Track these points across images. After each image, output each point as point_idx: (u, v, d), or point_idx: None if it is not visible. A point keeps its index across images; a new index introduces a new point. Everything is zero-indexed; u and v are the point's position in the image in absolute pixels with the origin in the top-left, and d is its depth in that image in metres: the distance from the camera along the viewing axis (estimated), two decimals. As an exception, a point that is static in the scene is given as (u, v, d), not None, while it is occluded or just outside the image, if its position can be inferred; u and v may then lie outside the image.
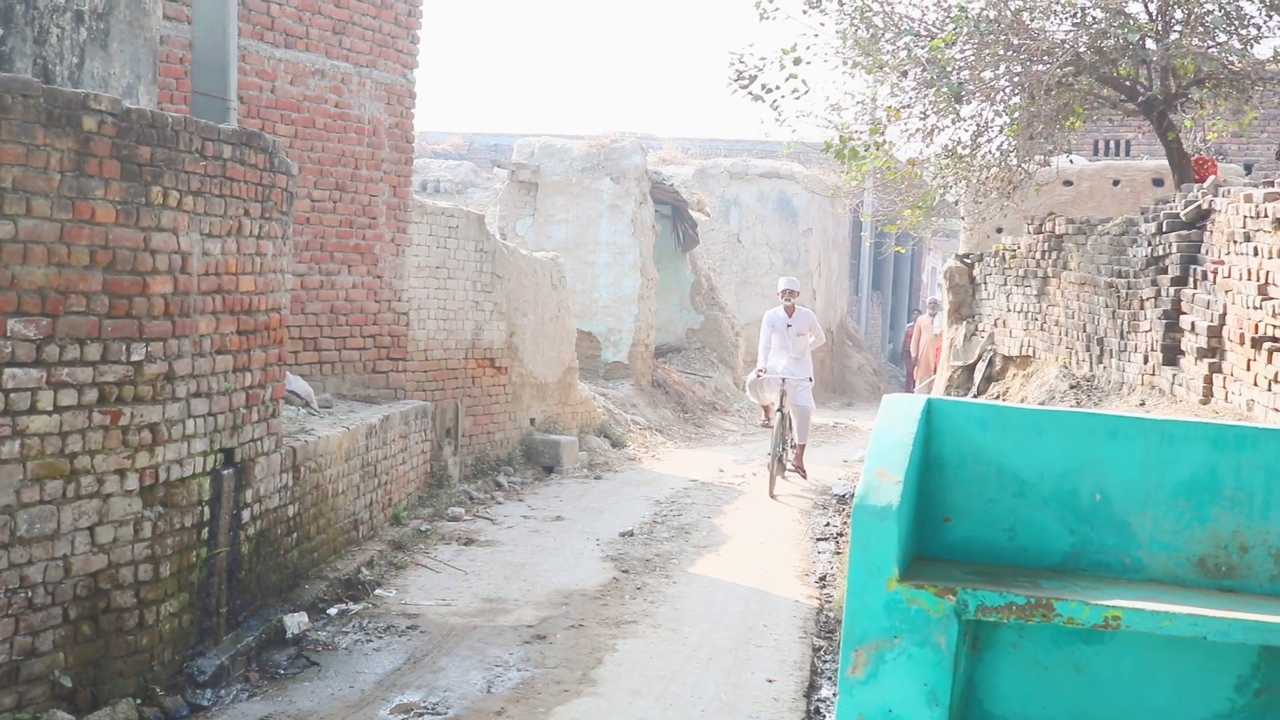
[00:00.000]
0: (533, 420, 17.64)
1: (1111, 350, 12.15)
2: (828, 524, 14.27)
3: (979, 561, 4.80)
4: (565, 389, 18.60)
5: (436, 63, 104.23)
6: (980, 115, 14.37)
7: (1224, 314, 9.66)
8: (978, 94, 13.85)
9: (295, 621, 9.06)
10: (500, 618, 9.82)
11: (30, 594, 6.72)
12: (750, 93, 14.47)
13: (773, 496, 15.90)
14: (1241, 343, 9.20)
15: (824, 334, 17.96)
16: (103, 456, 7.15)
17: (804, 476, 17.23)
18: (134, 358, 7.32)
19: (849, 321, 35.28)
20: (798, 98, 14.42)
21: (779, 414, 16.43)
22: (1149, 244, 11.28)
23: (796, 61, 14.03)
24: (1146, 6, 13.39)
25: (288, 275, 9.52)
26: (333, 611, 9.65)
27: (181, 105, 10.79)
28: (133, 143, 7.24)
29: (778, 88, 14.36)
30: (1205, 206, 10.34)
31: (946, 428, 4.86)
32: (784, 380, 16.60)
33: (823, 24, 14.36)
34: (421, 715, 7.69)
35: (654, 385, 23.65)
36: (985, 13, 13.10)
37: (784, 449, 16.63)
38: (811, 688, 8.47)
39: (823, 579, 11.54)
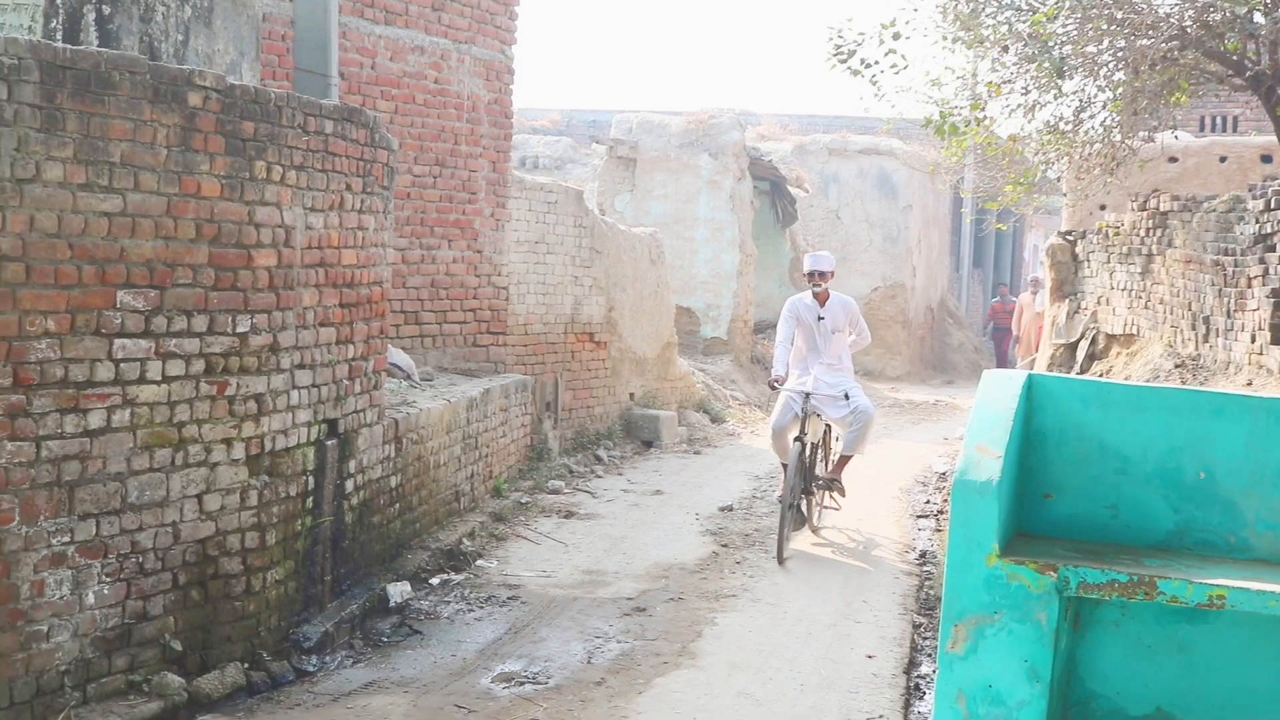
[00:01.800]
0: (632, 395, 17.69)
1: (1217, 329, 11.96)
2: (928, 501, 14.20)
3: (1080, 539, 4.76)
4: (664, 364, 18.63)
5: (536, 39, 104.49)
6: (1083, 91, 14.15)
7: (1334, 290, 9.48)
8: (1080, 69, 13.63)
9: (398, 590, 9.17)
10: (600, 590, 9.88)
11: (141, 559, 6.87)
12: (849, 68, 14.34)
13: (781, 562, 10.93)
14: (1352, 320, 9.02)
15: (869, 331, 12.75)
16: (210, 426, 7.28)
17: (841, 494, 12.26)
18: (239, 329, 7.44)
19: (949, 299, 34.98)
20: (897, 73, 14.26)
21: (797, 443, 11.47)
22: (1257, 221, 11.09)
23: (896, 36, 13.89)
24: (1256, -22, 13.12)
25: (389, 249, 9.61)
26: (435, 581, 9.76)
27: (284, 82, 10.92)
28: (237, 118, 7.35)
29: (876, 63, 14.22)
30: (1316, 182, 10.14)
31: (1047, 403, 4.82)
32: (807, 397, 11.65)
33: (923, -2, 14.21)
34: (523, 684, 7.76)
35: (753, 361, 23.62)
36: (1089, -14, 12.90)
37: (808, 490, 11.89)
38: (911, 664, 8.44)
39: (923, 555, 11.49)
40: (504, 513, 12.00)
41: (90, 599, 6.59)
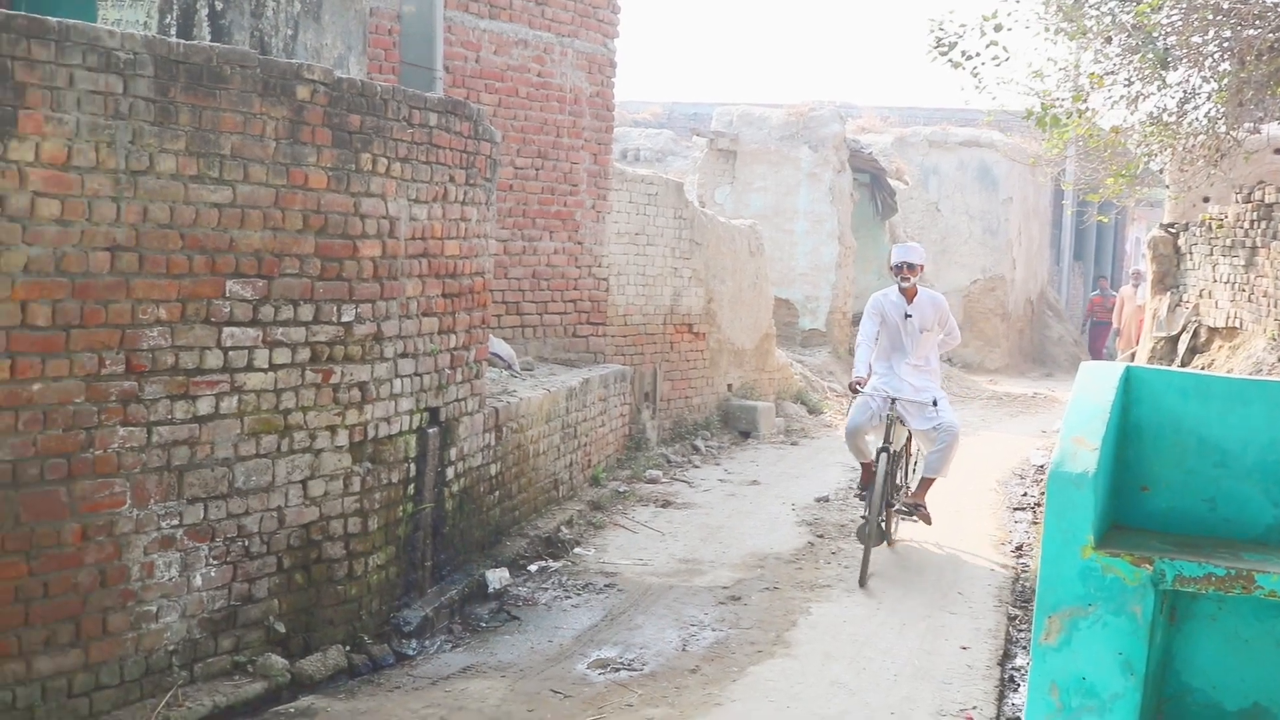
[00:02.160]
0: (730, 386, 17.72)
1: (1324, 322, 11.77)
2: (1025, 494, 14.11)
3: (1177, 532, 4.75)
4: (762, 355, 18.63)
5: (638, 32, 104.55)
6: (1187, 81, 13.95)
7: None
8: (1185, 60, 13.45)
9: (497, 576, 9.29)
10: (696, 578, 9.95)
11: (247, 543, 7.04)
12: (950, 60, 14.25)
13: (863, 585, 9.93)
14: None
15: (958, 331, 11.82)
16: (314, 413, 7.43)
17: (927, 522, 11.15)
18: (344, 318, 7.58)
19: (1049, 292, 34.59)
20: (998, 65, 14.15)
21: (883, 454, 10.47)
22: (1364, 213, 10.89)
23: (997, 28, 13.78)
24: (1368, -35, 12.88)
25: (491, 240, 9.73)
26: (533, 568, 9.88)
27: (390, 75, 11.08)
28: (343, 111, 7.48)
29: (977, 55, 14.11)
30: None
31: (1145, 396, 4.81)
32: (894, 403, 10.73)
33: (1025, -12, 14.08)
34: (618, 670, 7.85)
35: (850, 352, 23.42)
36: (1195, -25, 12.74)
37: (892, 502, 10.91)
38: (1006, 656, 8.42)
39: (1019, 548, 11.43)
40: (602, 501, 12.10)
41: (198, 581, 6.76)
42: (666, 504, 12.59)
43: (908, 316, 11.08)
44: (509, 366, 11.95)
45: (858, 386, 10.78)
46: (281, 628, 7.28)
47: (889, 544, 11.01)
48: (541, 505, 11.25)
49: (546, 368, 12.97)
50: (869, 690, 7.62)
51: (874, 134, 28.79)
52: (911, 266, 11.10)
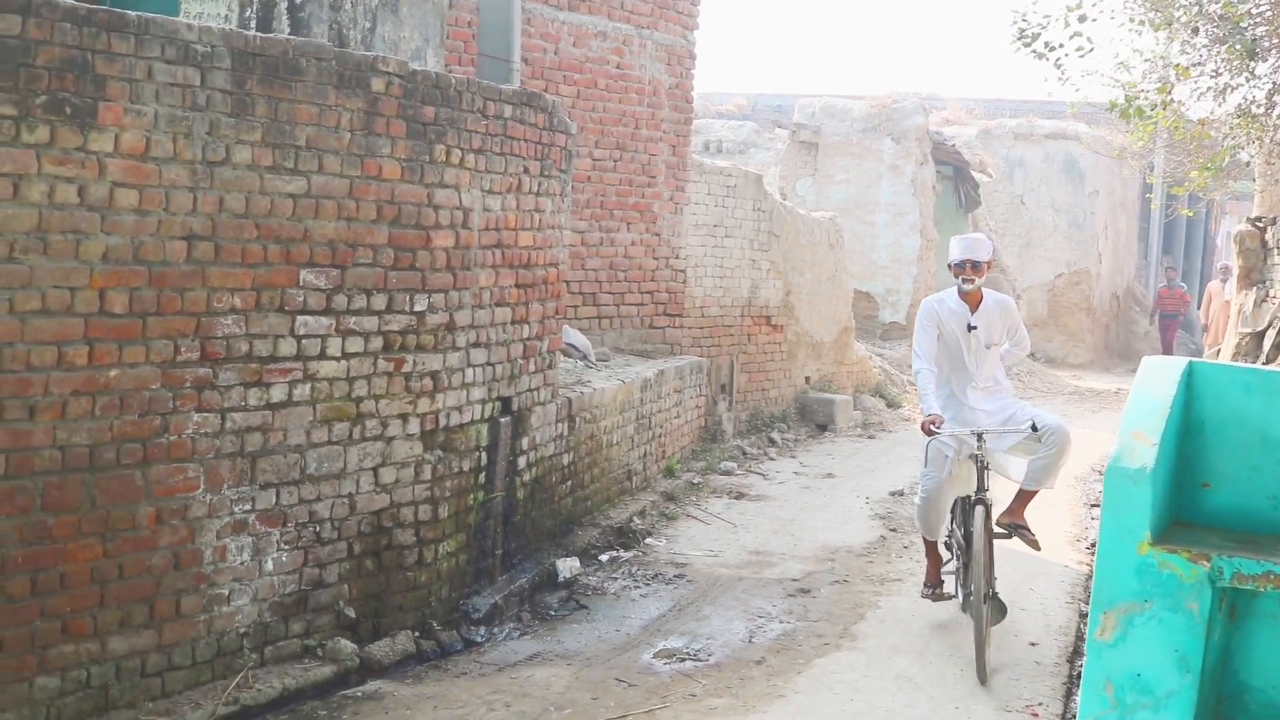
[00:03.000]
0: (807, 378, 17.70)
1: None
2: (1102, 490, 13.95)
3: (1239, 529, 4.71)
4: (841, 348, 18.59)
5: (722, 24, 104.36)
6: (1277, 72, 13.77)
7: None
8: (1274, 50, 13.28)
9: (567, 566, 9.36)
10: (766, 570, 9.97)
11: (318, 529, 7.15)
12: (1033, 51, 14.16)
13: (984, 682, 7.67)
14: None
15: (1028, 338, 9.37)
16: (386, 401, 7.53)
17: (1035, 546, 8.88)
18: (417, 308, 7.68)
19: (1136, 287, 34.20)
20: (1082, 56, 14.05)
21: (979, 507, 8.18)
22: None
23: (1082, 19, 13.68)
24: None
25: (566, 231, 9.80)
26: (604, 558, 9.94)
27: (468, 67, 11.18)
28: (418, 103, 7.57)
29: (1061, 46, 14.02)
30: None
31: (1208, 391, 4.77)
32: (980, 438, 8.29)
33: (1110, -21, 13.97)
34: (684, 660, 7.89)
35: (931, 349, 23.39)
36: (1283, -35, 12.57)
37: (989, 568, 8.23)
38: (1075, 653, 8.37)
39: (1094, 545, 11.33)
40: (675, 492, 12.15)
41: (269, 565, 6.88)
42: (740, 496, 12.61)
43: (971, 329, 8.65)
44: (584, 357, 12.02)
45: (933, 427, 8.31)
46: (351, 613, 7.39)
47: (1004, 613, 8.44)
48: (614, 495, 11.31)
49: (622, 359, 13.03)
50: (934, 685, 7.61)
51: (958, 126, 28.61)
52: (977, 265, 8.58)
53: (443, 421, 7.99)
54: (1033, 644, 8.45)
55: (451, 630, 8.02)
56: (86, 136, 5.86)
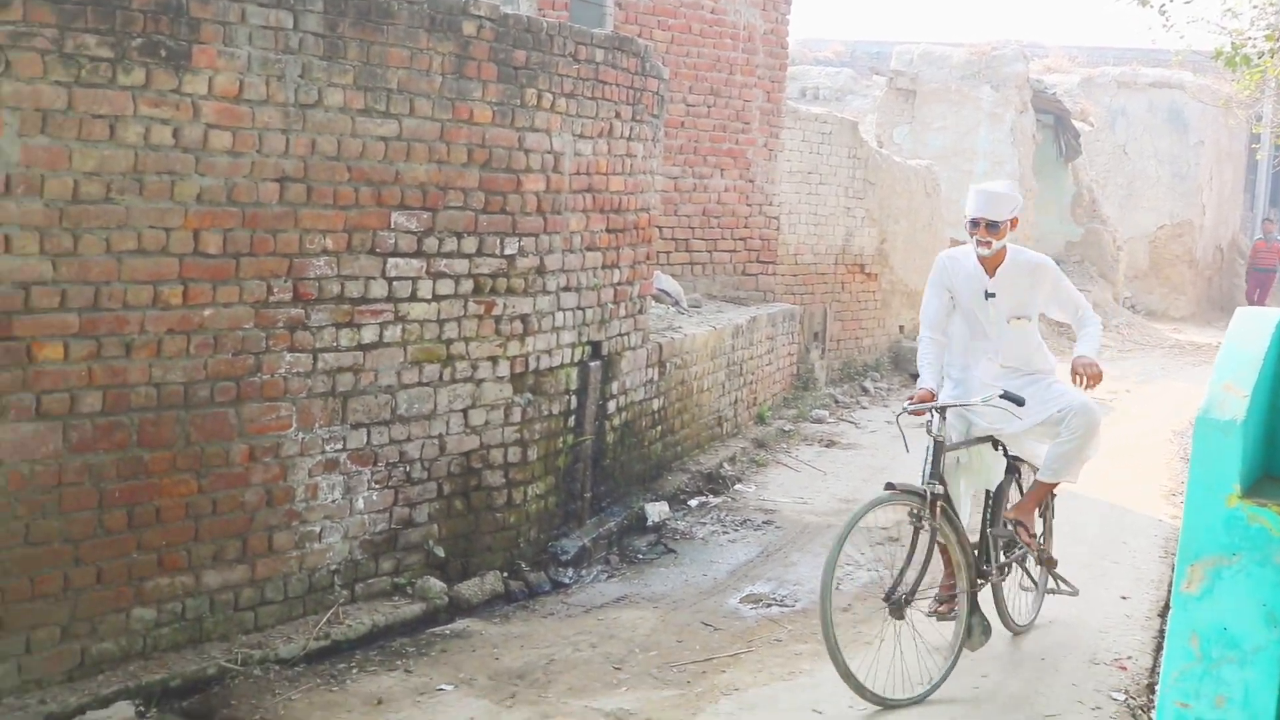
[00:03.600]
0: (901, 327, 17.59)
1: None
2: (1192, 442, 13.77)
3: (1336, 483, 4.63)
4: (936, 297, 18.41)
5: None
6: (1390, 18, 13.44)
7: None
8: (1387, -5, 12.94)
9: (656, 510, 9.41)
10: (854, 519, 9.94)
11: (408, 469, 7.23)
12: (1138, -1, 13.91)
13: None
14: None
15: (1090, 310, 7.50)
16: (476, 344, 7.58)
17: (1038, 559, 7.57)
18: (507, 251, 7.71)
19: (1241, 239, 33.57)
20: (1188, 3, 13.79)
21: (932, 500, 6.66)
22: None
23: (1188, -37, 13.41)
24: None
25: (657, 176, 9.78)
26: (693, 503, 9.98)
27: (561, 11, 11.17)
28: (509, 47, 7.58)
29: (1167, -9, 13.77)
30: None
31: (1304, 343, 4.69)
32: (941, 414, 6.79)
33: (1219, -78, 13.68)
34: (769, 606, 7.91)
35: (1030, 297, 23.13)
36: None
37: (984, 573, 7.13)
38: (1167, 608, 8.27)
39: (1190, 499, 11.18)
40: (766, 439, 12.15)
41: (360, 504, 6.98)
42: (831, 444, 12.59)
43: (989, 296, 7.17)
44: (676, 303, 12.03)
45: (907, 404, 6.97)
46: (441, 552, 7.48)
47: (1011, 629, 7.49)
48: (704, 441, 11.32)
49: (714, 305, 13.01)
50: (1021, 635, 7.57)
51: (1060, 74, 28.18)
52: (993, 225, 7.02)
53: (532, 365, 8.04)
54: (1123, 598, 8.38)
55: (539, 571, 8.09)
56: (181, 79, 5.92)
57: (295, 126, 6.43)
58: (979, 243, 7.06)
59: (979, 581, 7.04)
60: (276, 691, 6.09)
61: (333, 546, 6.85)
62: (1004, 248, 7.13)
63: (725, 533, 9.41)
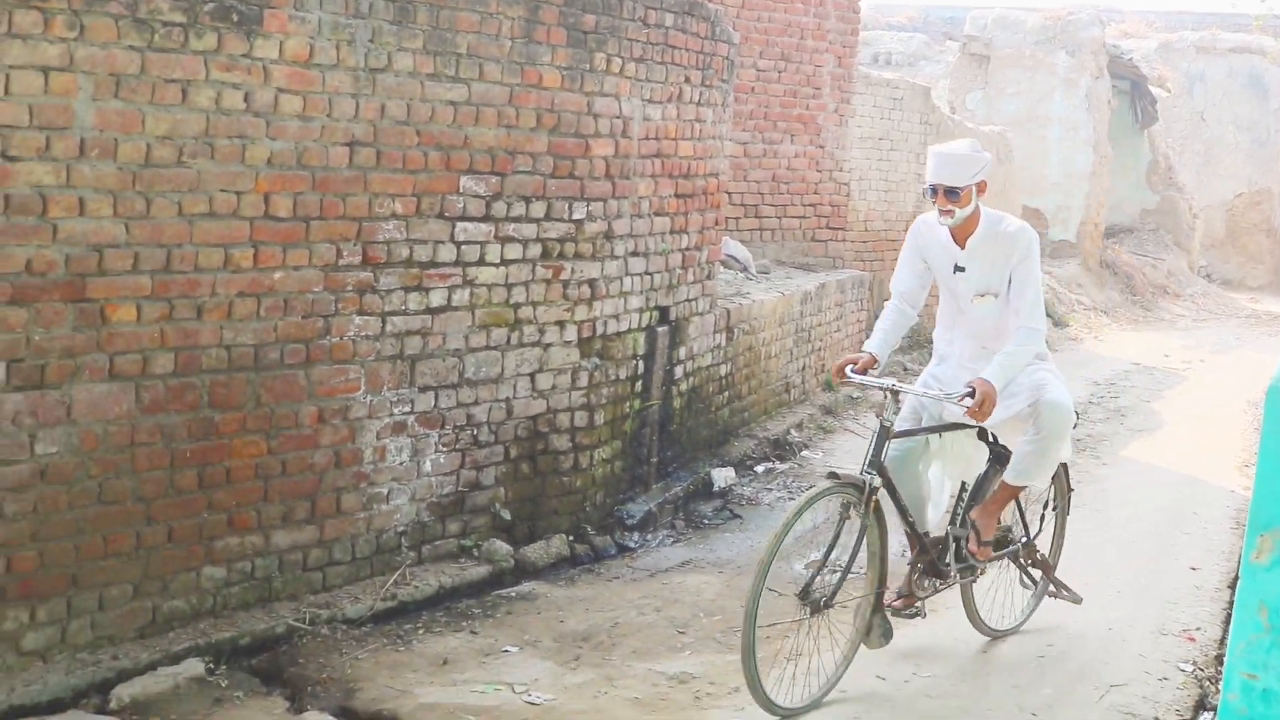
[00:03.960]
0: (972, 295, 17.45)
1: None
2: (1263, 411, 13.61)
3: None
4: (1007, 265, 18.28)
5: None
6: None
7: None
8: None
9: (722, 475, 9.41)
10: (922, 487, 9.90)
11: (475, 432, 7.28)
12: (1217, -41, 13.66)
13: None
14: None
15: (1040, 320, 6.31)
16: (544, 308, 7.60)
17: (1047, 576, 7.17)
18: (575, 216, 7.72)
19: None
20: (1269, -36, 13.55)
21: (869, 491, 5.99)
22: None
23: (1270, -76, 13.18)
24: None
25: (727, 142, 9.75)
26: (759, 469, 9.97)
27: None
28: (578, 11, 7.57)
29: (1248, -47, 13.53)
30: None
31: (1379, 311, 4.62)
32: (894, 395, 6.07)
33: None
34: (835, 572, 7.88)
35: (1102, 265, 22.94)
36: None
37: (937, 570, 6.60)
38: (1237, 579, 8.20)
39: (1264, 469, 11.06)
40: (834, 406, 12.11)
41: (427, 466, 7.03)
42: (899, 411, 12.51)
43: (958, 270, 6.42)
44: (744, 269, 12.00)
45: (849, 370, 6.31)
46: (507, 515, 7.52)
47: (990, 637, 6.96)
48: (772, 408, 11.31)
49: (783, 271, 12.97)
50: (1088, 604, 7.50)
51: (1137, 39, 27.82)
52: (953, 193, 6.19)
53: (600, 329, 8.05)
54: (1193, 569, 8.31)
55: (605, 535, 8.13)
56: (252, 43, 5.96)
57: (365, 91, 6.46)
58: (941, 212, 6.24)
59: (937, 582, 6.56)
60: (344, 651, 6.16)
61: (400, 508, 6.92)
62: (975, 215, 6.30)
63: (791, 499, 9.38)
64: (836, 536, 5.97)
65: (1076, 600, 7.10)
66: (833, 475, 6.03)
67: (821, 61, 13.49)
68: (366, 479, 6.72)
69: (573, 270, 7.76)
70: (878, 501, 6.04)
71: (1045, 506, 7.11)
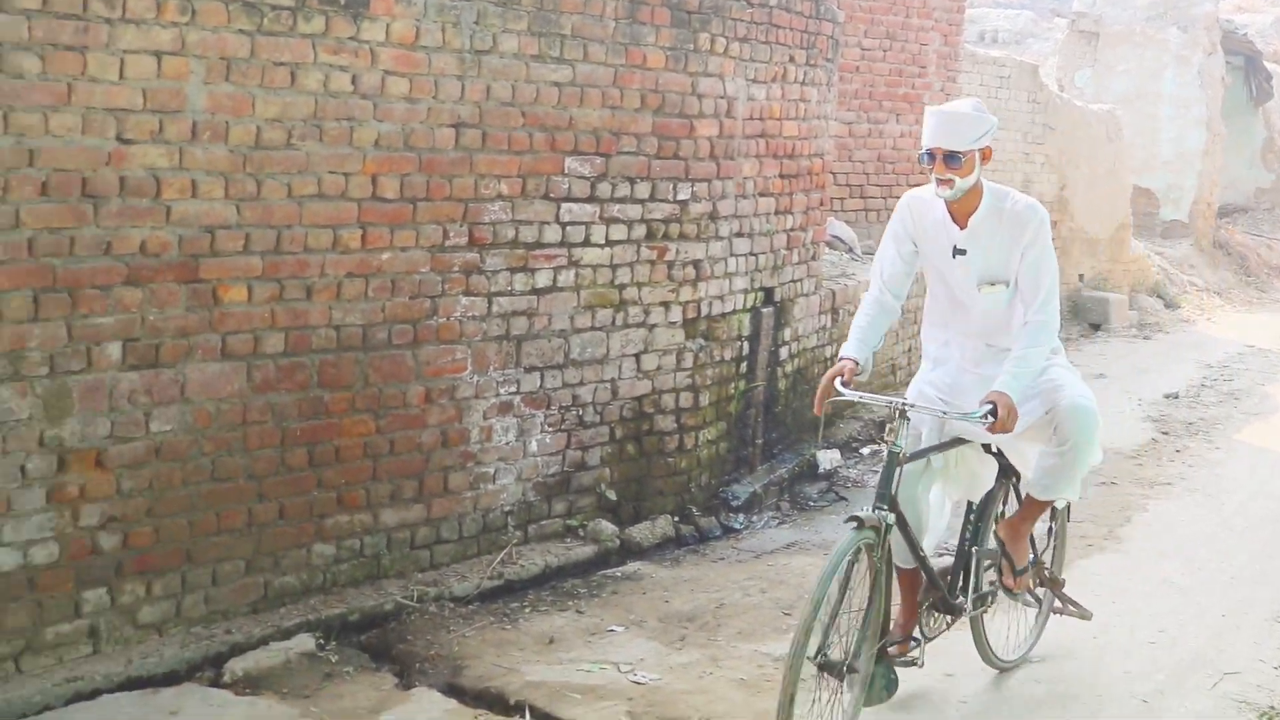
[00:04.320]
0: (1081, 276, 17.23)
1: None
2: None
3: None
4: (1117, 245, 18.02)
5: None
6: None
7: None
8: None
9: (827, 457, 9.37)
10: (1029, 469, 9.79)
11: (581, 413, 7.30)
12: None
13: None
14: None
15: (1054, 308, 5.51)
16: (649, 289, 7.60)
17: (1055, 592, 6.39)
18: (680, 197, 7.71)
19: None
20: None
21: (890, 528, 5.15)
22: None
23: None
24: None
25: (831, 121, 9.69)
26: (865, 451, 9.92)
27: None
28: (683, -10, 7.57)
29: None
30: None
31: None
32: (903, 414, 5.20)
33: None
34: (940, 555, 7.77)
35: (1215, 246, 22.51)
36: None
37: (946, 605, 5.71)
38: (1355, 565, 8.05)
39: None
40: (939, 388, 11.98)
41: (533, 446, 7.07)
42: (1007, 393, 12.37)
43: (958, 253, 5.57)
44: (850, 250, 11.92)
45: (837, 381, 5.55)
46: (612, 495, 7.54)
47: (1001, 670, 6.17)
48: (877, 389, 11.21)
49: (885, 252, 12.84)
50: (1201, 591, 7.40)
51: (1251, 14, 27.19)
52: (953, 158, 5.33)
53: (704, 310, 8.04)
54: (1310, 554, 8.15)
55: (710, 516, 8.12)
56: (359, 26, 6.01)
57: (470, 73, 6.50)
58: (938, 182, 5.37)
59: (948, 618, 5.76)
60: (451, 628, 6.21)
61: (506, 488, 6.96)
62: (978, 189, 5.45)
63: (897, 481, 9.33)
64: (846, 581, 5.02)
65: (1086, 616, 6.37)
66: (854, 519, 5.10)
67: (927, 40, 13.35)
68: (473, 458, 6.77)
69: (677, 251, 7.75)
70: (888, 540, 5.21)
71: (1051, 518, 6.39)
